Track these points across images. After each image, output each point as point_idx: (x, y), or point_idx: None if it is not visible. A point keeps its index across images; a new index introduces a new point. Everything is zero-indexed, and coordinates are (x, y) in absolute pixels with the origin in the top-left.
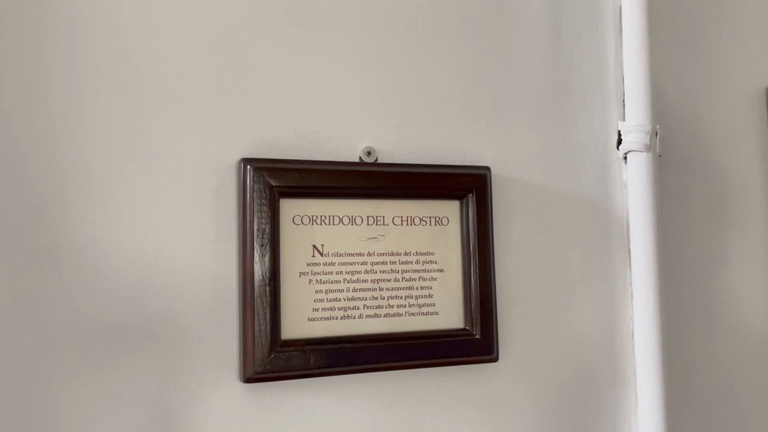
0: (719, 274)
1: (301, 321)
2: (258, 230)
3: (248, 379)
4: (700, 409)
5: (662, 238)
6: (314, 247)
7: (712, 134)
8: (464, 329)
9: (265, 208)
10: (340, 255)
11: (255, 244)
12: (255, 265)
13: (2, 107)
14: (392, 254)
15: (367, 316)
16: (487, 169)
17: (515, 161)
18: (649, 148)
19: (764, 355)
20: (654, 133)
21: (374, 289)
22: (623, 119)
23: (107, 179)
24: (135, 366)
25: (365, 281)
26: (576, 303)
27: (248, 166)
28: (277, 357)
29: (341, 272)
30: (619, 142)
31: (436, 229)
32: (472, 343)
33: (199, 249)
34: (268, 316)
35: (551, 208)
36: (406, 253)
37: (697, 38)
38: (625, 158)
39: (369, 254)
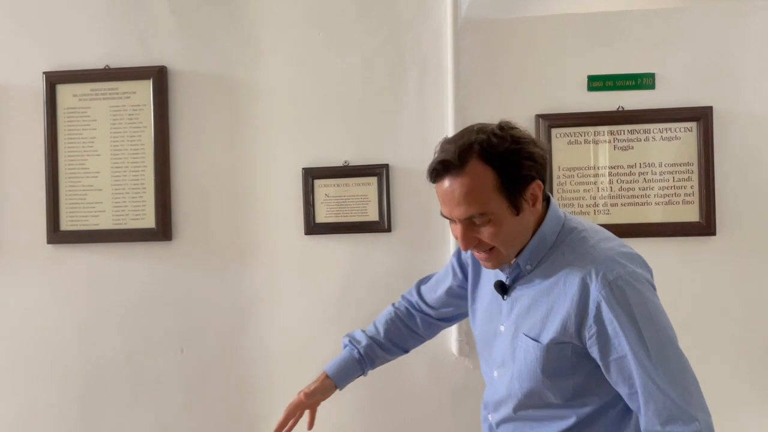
0: None
1: (322, 219)
2: (306, 191)
3: (308, 233)
4: None
5: None
6: (326, 195)
7: None
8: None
9: (309, 185)
10: (337, 197)
11: (309, 194)
12: (309, 198)
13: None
14: (351, 197)
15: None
16: (386, 165)
17: (403, 158)
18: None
19: None
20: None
21: (344, 209)
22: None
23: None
24: None
25: (343, 206)
26: None
27: (304, 171)
28: (315, 229)
29: (335, 203)
30: None
31: (368, 188)
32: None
33: (291, 201)
34: (314, 215)
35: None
36: (351, 197)
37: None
38: None
39: (342, 197)
